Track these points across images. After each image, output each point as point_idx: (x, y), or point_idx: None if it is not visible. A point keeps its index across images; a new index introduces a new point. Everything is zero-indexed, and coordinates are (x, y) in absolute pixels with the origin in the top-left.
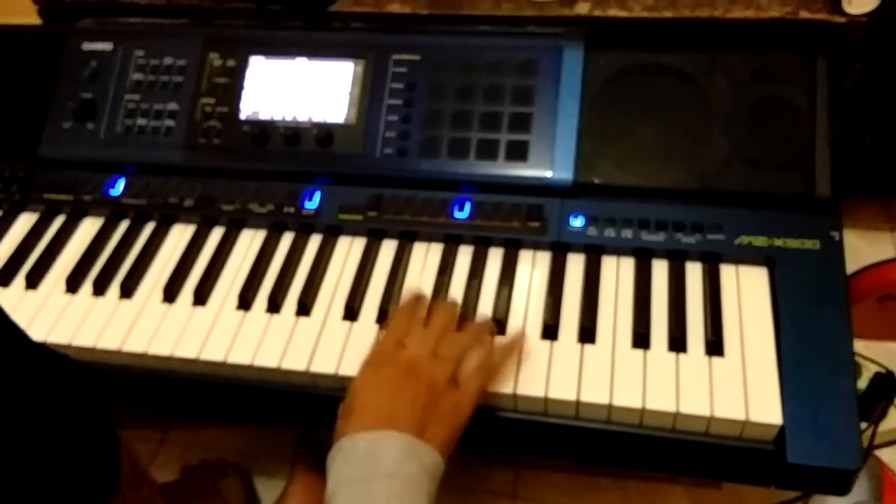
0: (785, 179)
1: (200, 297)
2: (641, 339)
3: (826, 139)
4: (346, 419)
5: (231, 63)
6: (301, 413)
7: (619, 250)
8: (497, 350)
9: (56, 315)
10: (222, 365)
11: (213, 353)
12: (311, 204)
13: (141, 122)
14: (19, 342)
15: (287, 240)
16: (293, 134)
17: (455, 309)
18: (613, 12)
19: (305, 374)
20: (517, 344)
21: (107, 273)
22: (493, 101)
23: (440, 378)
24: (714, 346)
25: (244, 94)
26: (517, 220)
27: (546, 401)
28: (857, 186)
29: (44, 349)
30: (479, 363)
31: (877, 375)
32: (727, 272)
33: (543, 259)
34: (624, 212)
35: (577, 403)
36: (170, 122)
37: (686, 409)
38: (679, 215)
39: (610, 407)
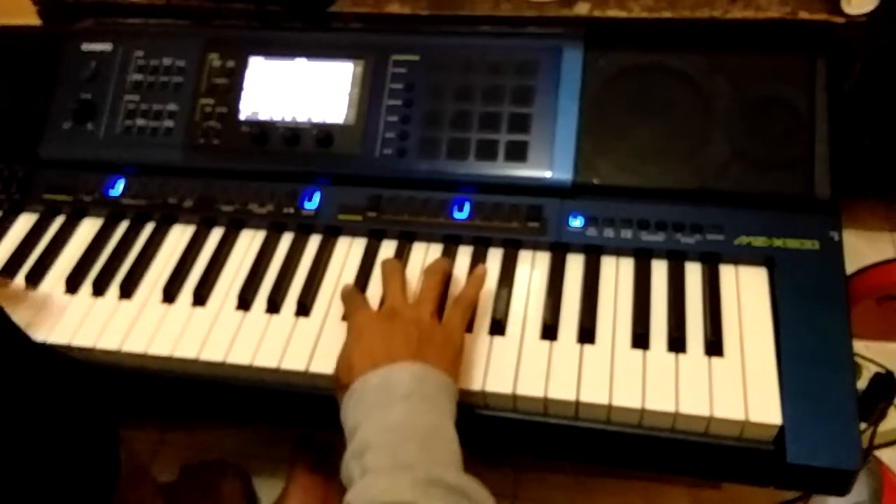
0: (784, 180)
1: (200, 297)
2: (641, 339)
3: (825, 139)
4: (347, 372)
5: (230, 63)
6: (300, 413)
7: (618, 251)
8: (469, 286)
9: (56, 315)
10: (222, 365)
11: (213, 353)
12: (311, 204)
13: (140, 122)
14: (20, 342)
15: (287, 240)
16: (293, 134)
17: (398, 263)
18: (613, 13)
19: (305, 375)
20: (482, 273)
21: (106, 273)
22: (493, 101)
23: (424, 315)
24: (713, 346)
25: (244, 95)
26: (516, 220)
27: (546, 401)
28: (857, 187)
29: (45, 349)
30: (455, 297)
31: (876, 376)
32: (727, 272)
33: (543, 259)
34: (623, 212)
35: (577, 404)
36: (169, 123)
37: (685, 409)
38: (678, 216)
39: (609, 407)
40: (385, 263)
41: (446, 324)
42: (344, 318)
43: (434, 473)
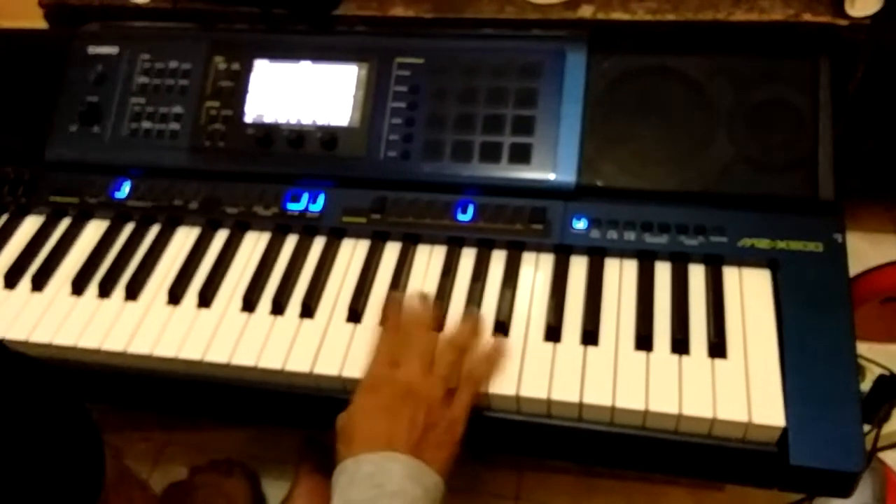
0: (788, 182)
1: (205, 299)
2: (644, 341)
3: (829, 142)
4: (347, 443)
5: (236, 66)
6: (305, 415)
7: (621, 252)
8: (482, 360)
9: (61, 317)
10: (227, 367)
11: (218, 354)
12: (316, 206)
13: (146, 125)
14: None
15: (291, 242)
16: (297, 137)
17: (433, 311)
18: (616, 15)
19: (309, 376)
20: (498, 352)
21: (112, 275)
22: (497, 104)
23: (436, 398)
24: (717, 348)
25: (249, 98)
26: (520, 222)
27: (549, 402)
28: (861, 189)
29: (19, 355)
30: (466, 374)
31: (880, 378)
32: (730, 274)
33: (546, 261)
34: (627, 214)
35: (581, 405)
36: (175, 126)
37: (689, 411)
38: (682, 218)
39: (613, 409)
40: (391, 318)
41: (454, 408)
42: (349, 319)
43: None
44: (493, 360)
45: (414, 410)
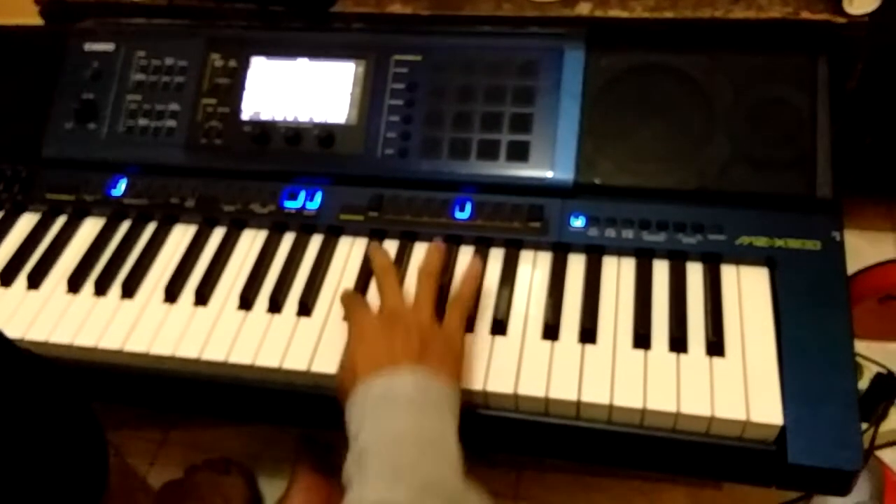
0: (786, 180)
1: (202, 297)
2: (642, 339)
3: (827, 139)
4: (351, 377)
5: (232, 63)
6: (302, 413)
7: (619, 251)
8: (461, 281)
9: (58, 315)
10: (223, 365)
11: (215, 352)
12: (313, 204)
13: (142, 122)
14: (2, 349)
15: (288, 240)
16: (294, 134)
17: (389, 258)
18: (614, 13)
19: (306, 374)
20: (477, 270)
21: (108, 273)
22: (494, 101)
23: (423, 318)
24: (715, 346)
25: (245, 95)
26: (518, 220)
27: (547, 401)
28: (859, 187)
29: (28, 354)
30: (452, 298)
31: (878, 376)
32: (728, 272)
33: (544, 259)
34: (625, 212)
35: (578, 404)
36: (171, 123)
37: (687, 409)
38: (680, 216)
39: (611, 407)
40: (377, 258)
41: (446, 327)
42: (345, 319)
43: (433, 481)
44: (474, 278)
45: (405, 329)
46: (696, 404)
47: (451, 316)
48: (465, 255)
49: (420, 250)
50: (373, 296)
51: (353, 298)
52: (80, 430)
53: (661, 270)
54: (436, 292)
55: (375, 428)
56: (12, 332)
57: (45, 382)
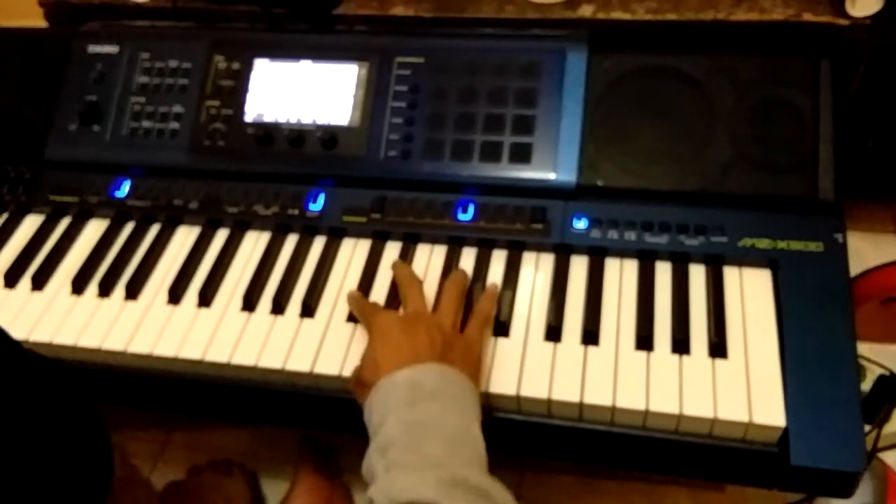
0: (788, 182)
1: (205, 298)
2: (645, 341)
3: (830, 141)
4: (372, 371)
5: (236, 66)
6: (305, 414)
7: (622, 252)
8: (483, 298)
9: (61, 316)
10: (227, 366)
11: (218, 354)
12: (316, 206)
13: (146, 124)
14: (6, 347)
15: (291, 242)
16: (297, 136)
17: (412, 270)
18: (617, 15)
19: (309, 376)
20: (495, 289)
21: (112, 274)
22: (497, 103)
23: (446, 324)
24: (717, 348)
25: (249, 97)
26: (521, 222)
27: (549, 402)
28: (861, 189)
29: (31, 354)
30: (472, 311)
31: (880, 378)
32: (730, 274)
33: (547, 261)
34: (627, 214)
35: (581, 405)
36: (175, 125)
37: (689, 411)
38: (682, 217)
39: (613, 409)
40: (399, 270)
41: (468, 335)
42: (349, 319)
43: (459, 473)
44: (493, 296)
45: (428, 329)
46: (698, 406)
47: (472, 326)
48: (468, 256)
49: (423, 252)
50: (376, 296)
51: (366, 302)
52: (83, 430)
53: (663, 272)
54: (460, 302)
55: (401, 421)
56: (16, 333)
57: (49, 383)
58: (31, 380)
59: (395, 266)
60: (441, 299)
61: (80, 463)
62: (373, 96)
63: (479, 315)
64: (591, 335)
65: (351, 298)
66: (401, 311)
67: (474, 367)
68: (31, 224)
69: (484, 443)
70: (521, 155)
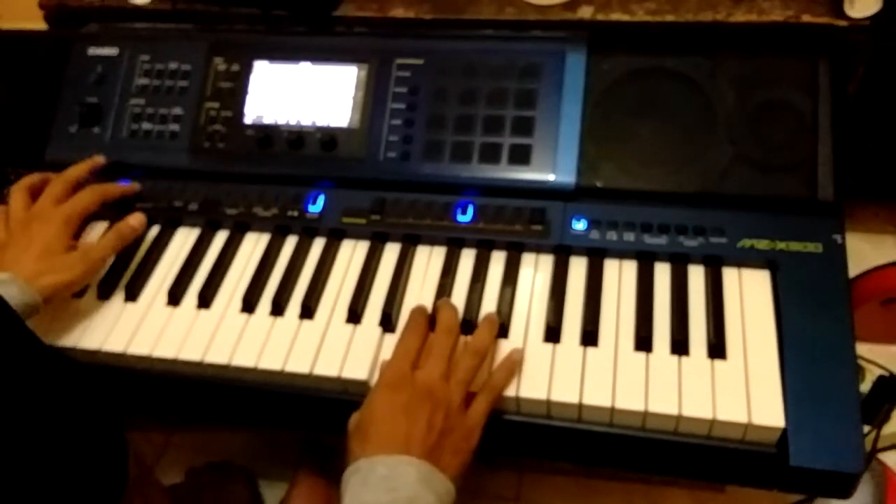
0: (788, 183)
1: (205, 300)
2: (644, 341)
3: (829, 142)
4: (361, 441)
5: (235, 68)
6: (304, 417)
7: (621, 253)
8: (501, 368)
9: (62, 318)
10: (226, 368)
11: (218, 355)
12: (315, 207)
13: (146, 126)
14: (30, 345)
15: (291, 243)
16: (297, 138)
17: (458, 318)
18: (616, 16)
19: (309, 377)
20: (517, 362)
21: (111, 277)
22: (496, 104)
23: (454, 403)
24: (716, 348)
25: (248, 99)
26: (520, 223)
27: (549, 404)
28: (861, 189)
29: (53, 352)
30: (486, 384)
31: (880, 378)
32: (730, 275)
33: (546, 262)
34: (626, 215)
35: (580, 406)
36: (175, 127)
37: (688, 411)
38: (681, 218)
39: (612, 410)
40: (444, 314)
41: (471, 416)
42: (348, 320)
43: None
44: (511, 370)
45: (432, 414)
46: (697, 407)
47: (480, 403)
48: (468, 258)
49: (422, 253)
50: (374, 298)
51: (415, 325)
52: (101, 429)
53: (662, 273)
54: (476, 372)
55: None
56: None
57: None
58: (49, 378)
59: (442, 306)
60: (459, 367)
61: (97, 461)
62: (372, 98)
63: (490, 391)
64: (590, 336)
65: (415, 310)
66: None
67: (465, 455)
68: None
69: None
70: (521, 156)
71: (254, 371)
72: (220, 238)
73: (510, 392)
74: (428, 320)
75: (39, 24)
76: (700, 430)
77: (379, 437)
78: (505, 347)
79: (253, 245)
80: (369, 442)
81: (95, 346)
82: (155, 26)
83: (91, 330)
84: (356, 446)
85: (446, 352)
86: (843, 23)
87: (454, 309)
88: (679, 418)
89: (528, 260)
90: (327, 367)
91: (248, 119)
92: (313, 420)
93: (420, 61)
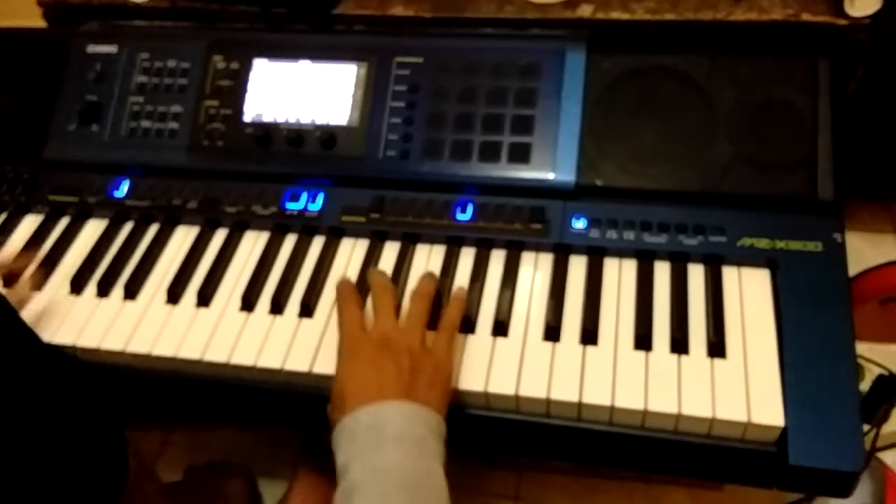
0: (787, 182)
1: (204, 298)
2: (643, 340)
3: (829, 141)
4: (340, 407)
5: (235, 65)
6: (304, 415)
7: (621, 252)
8: (451, 305)
9: (60, 316)
10: (225, 366)
11: (217, 354)
12: (315, 206)
13: (145, 124)
14: (30, 343)
15: (290, 241)
16: (296, 136)
17: (387, 277)
18: (616, 15)
19: (308, 376)
20: (464, 298)
21: (111, 274)
22: (496, 103)
23: (414, 344)
24: (716, 347)
25: (248, 97)
26: (519, 222)
27: (548, 402)
28: (860, 189)
29: (53, 350)
30: (440, 322)
31: (879, 378)
32: (729, 274)
33: (546, 261)
34: (626, 214)
35: (580, 405)
36: (174, 125)
37: (688, 410)
38: (681, 217)
39: (612, 409)
40: (374, 278)
41: (435, 351)
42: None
43: None
44: (460, 304)
45: (396, 358)
46: (697, 406)
47: (439, 339)
48: (467, 256)
49: (421, 252)
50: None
51: (348, 292)
52: (100, 426)
53: (662, 272)
54: (428, 314)
55: (364, 466)
56: None
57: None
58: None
59: (370, 273)
60: (409, 312)
61: (97, 460)
62: (372, 96)
63: (446, 327)
64: (589, 335)
65: (341, 284)
66: (369, 311)
67: (442, 387)
68: (29, 224)
69: (447, 486)
70: (520, 155)
71: (253, 369)
72: (220, 236)
73: (509, 391)
74: (355, 288)
75: (38, 22)
76: (700, 428)
77: (354, 394)
78: (504, 346)
79: (252, 243)
80: (346, 403)
81: (95, 344)
82: (154, 24)
83: (90, 328)
84: (336, 414)
85: (389, 307)
86: (842, 22)
87: (381, 272)
88: (679, 417)
89: (527, 259)
90: (326, 366)
91: (248, 117)
92: (312, 418)
93: (420, 59)
